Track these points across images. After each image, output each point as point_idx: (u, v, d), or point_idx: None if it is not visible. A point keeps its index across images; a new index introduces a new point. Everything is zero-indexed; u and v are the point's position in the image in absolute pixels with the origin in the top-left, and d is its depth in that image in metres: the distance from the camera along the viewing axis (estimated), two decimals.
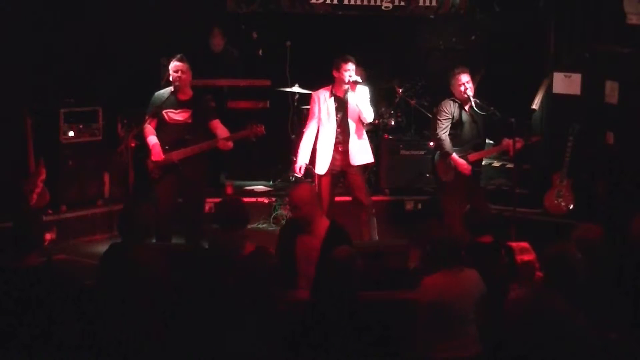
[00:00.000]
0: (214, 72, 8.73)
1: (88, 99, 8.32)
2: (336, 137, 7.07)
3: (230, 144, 6.93)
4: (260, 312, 4.35)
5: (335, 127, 7.06)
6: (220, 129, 6.95)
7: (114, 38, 8.55)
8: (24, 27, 7.97)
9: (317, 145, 7.13)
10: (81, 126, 8.14)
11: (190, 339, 4.50)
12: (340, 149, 7.07)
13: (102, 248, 7.66)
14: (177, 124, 6.92)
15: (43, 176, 7.68)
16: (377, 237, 7.16)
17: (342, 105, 7.06)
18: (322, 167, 7.10)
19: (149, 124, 6.93)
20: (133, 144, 7.95)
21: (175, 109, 6.92)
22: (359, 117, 7.05)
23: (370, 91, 7.26)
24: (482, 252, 5.06)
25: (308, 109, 9.03)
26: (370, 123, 7.51)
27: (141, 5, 8.74)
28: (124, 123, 8.32)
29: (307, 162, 7.18)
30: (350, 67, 6.96)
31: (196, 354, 4.43)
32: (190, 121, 6.92)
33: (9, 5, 7.92)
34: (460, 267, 4.67)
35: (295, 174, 7.52)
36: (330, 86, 7.11)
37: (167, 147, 6.87)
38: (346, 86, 6.99)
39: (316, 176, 7.17)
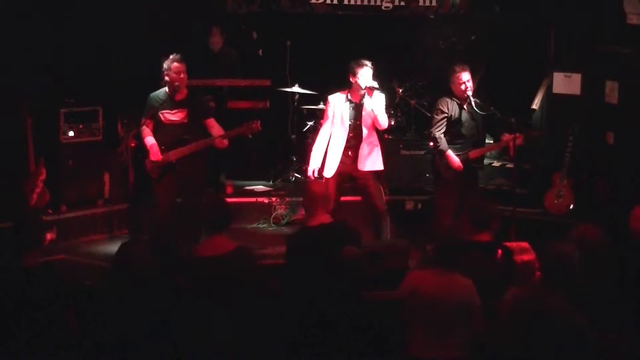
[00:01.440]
0: (213, 72, 8.73)
1: (88, 99, 8.32)
2: (347, 142, 6.96)
3: (226, 141, 6.93)
4: (240, 309, 4.36)
5: (347, 132, 6.94)
6: (216, 128, 6.97)
7: (114, 38, 8.55)
8: (24, 27, 7.97)
9: (327, 148, 7.04)
10: (81, 126, 8.15)
11: (179, 338, 4.50)
12: (349, 153, 6.97)
13: (102, 248, 7.78)
14: (173, 125, 6.93)
15: (43, 176, 7.68)
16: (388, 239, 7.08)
17: (357, 111, 6.94)
18: (330, 170, 7.01)
19: (146, 125, 6.95)
20: (133, 144, 7.96)
21: (172, 110, 6.93)
22: (373, 124, 6.93)
23: (386, 99, 7.16)
24: (478, 250, 5.05)
25: (308, 109, 9.12)
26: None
27: (141, 5, 8.73)
28: (124, 123, 8.30)
29: (320, 165, 7.06)
30: (366, 71, 6.83)
31: (192, 354, 4.43)
32: (186, 121, 6.93)
33: (9, 5, 7.91)
34: (454, 272, 4.60)
35: (309, 177, 7.43)
36: (347, 90, 6.98)
37: (163, 147, 6.88)
38: (363, 91, 6.87)
39: (323, 178, 7.06)
